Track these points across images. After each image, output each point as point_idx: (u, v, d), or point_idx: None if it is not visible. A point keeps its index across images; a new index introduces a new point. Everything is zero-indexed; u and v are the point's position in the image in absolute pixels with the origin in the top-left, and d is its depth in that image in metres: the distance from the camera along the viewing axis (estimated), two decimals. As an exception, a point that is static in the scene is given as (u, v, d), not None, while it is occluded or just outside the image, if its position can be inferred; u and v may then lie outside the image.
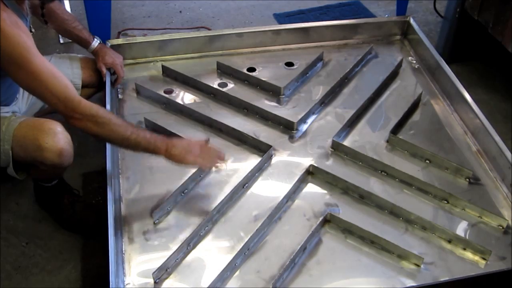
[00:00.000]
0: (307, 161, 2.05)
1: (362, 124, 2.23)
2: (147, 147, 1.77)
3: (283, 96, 2.33)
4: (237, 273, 1.70)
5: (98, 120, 1.70)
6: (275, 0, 3.54)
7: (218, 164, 1.89)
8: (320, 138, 2.15)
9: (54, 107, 1.72)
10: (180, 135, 2.07)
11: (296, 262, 1.73)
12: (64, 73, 2.17)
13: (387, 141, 2.14)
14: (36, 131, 1.79)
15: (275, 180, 1.99)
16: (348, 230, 1.82)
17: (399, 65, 2.51)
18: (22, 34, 1.65)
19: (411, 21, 2.65)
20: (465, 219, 1.88)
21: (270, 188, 1.96)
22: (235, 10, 3.46)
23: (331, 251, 1.77)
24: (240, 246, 1.72)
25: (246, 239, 1.74)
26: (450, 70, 2.34)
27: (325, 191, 1.96)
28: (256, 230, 1.77)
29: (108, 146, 1.95)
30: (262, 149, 2.08)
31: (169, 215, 1.86)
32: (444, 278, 1.70)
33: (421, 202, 1.93)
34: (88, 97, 2.31)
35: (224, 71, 2.45)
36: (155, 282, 1.66)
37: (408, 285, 1.68)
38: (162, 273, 1.67)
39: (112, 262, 1.61)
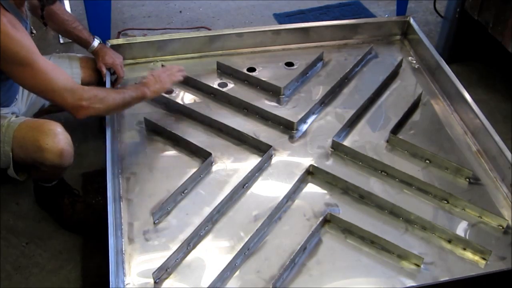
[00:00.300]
0: (307, 161, 2.05)
1: (362, 124, 2.23)
2: (137, 96, 1.96)
3: (283, 96, 2.33)
4: (237, 273, 1.70)
5: (100, 97, 1.83)
6: (275, 0, 3.54)
7: (183, 73, 2.20)
8: (320, 138, 2.15)
9: (62, 102, 1.76)
10: (181, 135, 2.08)
11: (296, 262, 1.73)
12: (64, 73, 2.19)
13: (387, 141, 2.14)
14: (36, 132, 1.79)
15: (275, 180, 1.99)
16: (348, 230, 1.82)
17: (399, 65, 2.51)
18: (24, 36, 1.67)
19: (411, 21, 2.65)
20: (465, 219, 1.88)
21: (270, 188, 1.96)
22: (235, 10, 3.46)
23: (331, 251, 1.77)
24: (240, 246, 1.72)
25: (246, 239, 1.74)
26: (450, 70, 2.34)
27: (325, 191, 1.96)
28: (256, 230, 1.77)
29: (108, 146, 1.95)
30: (262, 149, 2.08)
31: (169, 215, 1.86)
32: (444, 278, 1.70)
33: (421, 202, 1.93)
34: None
35: (224, 71, 2.45)
36: (155, 282, 1.66)
37: (408, 285, 1.68)
38: (162, 273, 1.67)
39: (112, 262, 1.61)
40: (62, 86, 1.74)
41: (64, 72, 1.79)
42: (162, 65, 2.41)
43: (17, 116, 1.95)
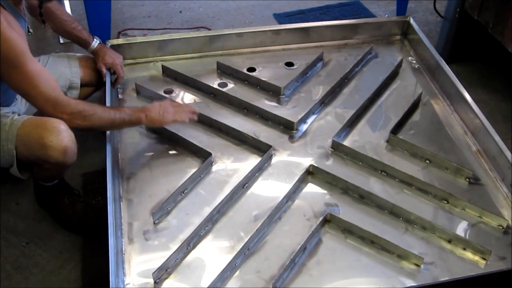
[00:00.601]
0: (307, 161, 2.05)
1: (362, 124, 2.23)
2: (130, 120, 1.92)
3: (283, 96, 2.34)
4: (237, 273, 1.70)
5: (85, 114, 1.81)
6: (275, 0, 3.54)
7: (192, 116, 2.06)
8: (320, 138, 2.15)
9: (42, 109, 1.78)
10: (181, 135, 2.08)
11: (296, 262, 1.73)
12: (63, 73, 2.19)
13: (387, 141, 2.14)
14: (40, 130, 1.79)
15: (275, 180, 1.99)
16: (348, 230, 1.82)
17: (399, 65, 2.51)
18: (18, 37, 1.67)
19: (411, 21, 2.65)
20: (465, 219, 1.88)
21: (270, 188, 1.96)
22: (235, 10, 3.46)
23: (331, 251, 1.77)
24: (240, 246, 1.72)
25: (246, 239, 1.74)
26: (450, 70, 2.34)
27: (325, 191, 1.96)
28: (256, 230, 1.77)
29: (108, 146, 1.95)
30: (262, 149, 2.08)
31: (169, 215, 1.86)
32: (444, 278, 1.70)
33: (421, 202, 1.93)
34: (87, 96, 2.33)
35: (224, 71, 2.45)
36: (155, 282, 1.66)
37: (408, 285, 1.68)
38: (162, 273, 1.67)
39: (112, 262, 1.61)
40: (46, 95, 1.74)
41: (52, 80, 1.78)
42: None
43: (19, 115, 1.95)
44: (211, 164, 2.02)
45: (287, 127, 2.18)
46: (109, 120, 1.87)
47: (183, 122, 2.03)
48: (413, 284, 1.68)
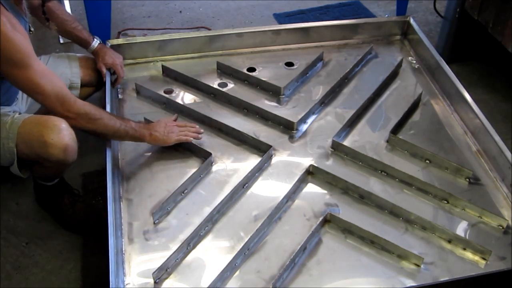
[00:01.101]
0: (307, 161, 2.05)
1: (362, 124, 2.23)
2: (134, 134, 1.94)
3: (283, 96, 2.34)
4: (237, 273, 1.70)
5: (91, 117, 1.82)
6: (275, 0, 3.54)
7: (197, 136, 2.06)
8: (320, 138, 2.15)
9: (50, 107, 1.78)
10: (180, 135, 2.08)
11: (296, 262, 1.73)
12: (63, 73, 2.19)
13: (387, 141, 2.14)
14: (41, 128, 1.79)
15: (275, 180, 1.99)
16: (348, 230, 1.82)
17: (399, 65, 2.51)
18: (22, 38, 1.68)
19: (411, 21, 2.65)
20: (465, 219, 1.88)
21: (270, 188, 1.96)
22: (235, 10, 3.46)
23: (331, 251, 1.77)
24: (240, 246, 1.72)
25: (246, 239, 1.74)
26: (450, 70, 2.34)
27: (325, 191, 1.96)
28: (256, 230, 1.77)
29: (108, 146, 1.95)
30: (262, 149, 2.08)
31: (169, 215, 1.86)
32: (444, 278, 1.70)
33: (421, 202, 1.93)
34: (87, 96, 2.33)
35: (224, 71, 2.45)
36: (155, 282, 1.66)
37: (408, 285, 1.68)
38: (162, 273, 1.67)
39: (112, 262, 1.61)
40: (54, 93, 1.74)
41: (58, 79, 1.79)
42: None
43: (19, 114, 1.95)
44: (211, 164, 2.02)
45: (287, 127, 2.18)
46: (113, 129, 1.87)
47: (187, 141, 2.03)
48: (413, 284, 1.68)
